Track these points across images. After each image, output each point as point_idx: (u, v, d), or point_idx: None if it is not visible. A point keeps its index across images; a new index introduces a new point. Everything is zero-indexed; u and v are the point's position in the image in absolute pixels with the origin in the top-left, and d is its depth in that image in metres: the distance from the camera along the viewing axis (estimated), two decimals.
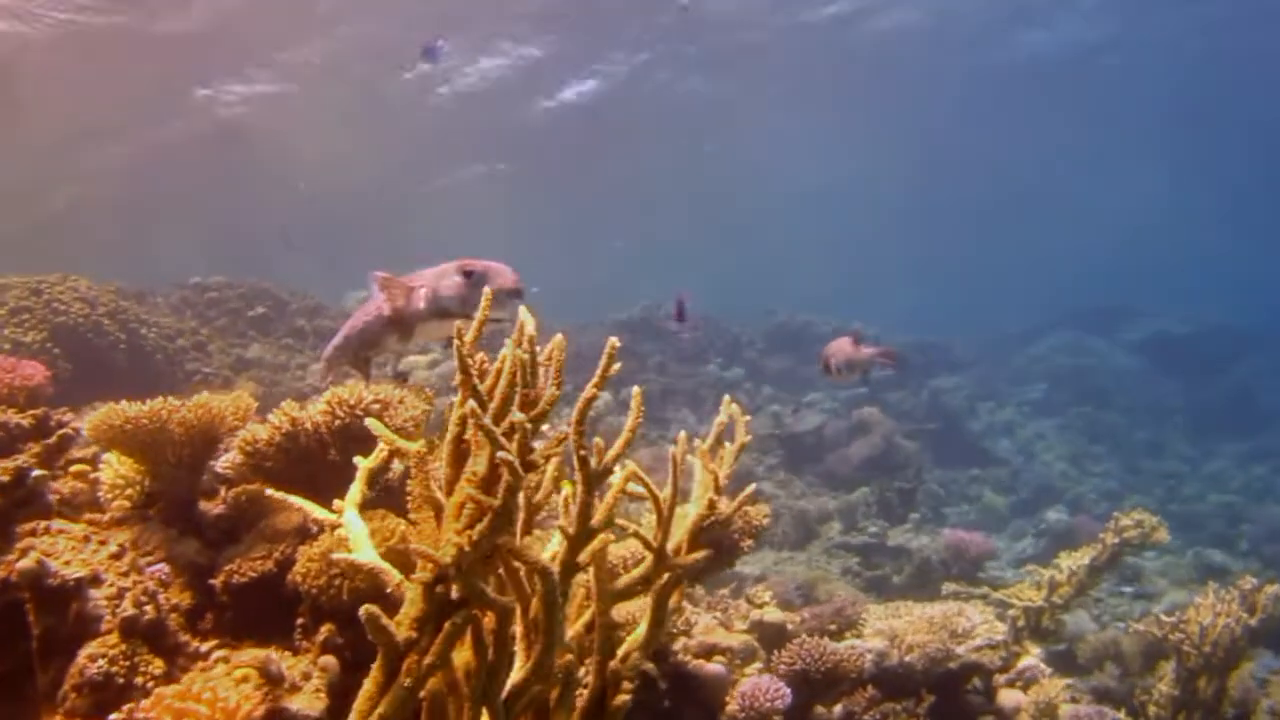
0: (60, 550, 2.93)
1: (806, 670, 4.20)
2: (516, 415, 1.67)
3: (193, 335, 9.08)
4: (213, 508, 3.61)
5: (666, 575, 2.04)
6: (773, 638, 4.62)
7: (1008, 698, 4.68)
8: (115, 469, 3.52)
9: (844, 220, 33.66)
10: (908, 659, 4.57)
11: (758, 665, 4.38)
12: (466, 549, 1.68)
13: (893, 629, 4.79)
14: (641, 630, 2.07)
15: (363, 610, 1.69)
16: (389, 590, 1.93)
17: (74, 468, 3.55)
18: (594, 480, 1.84)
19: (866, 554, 8.91)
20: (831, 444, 10.98)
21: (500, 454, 1.62)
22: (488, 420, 1.63)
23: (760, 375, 13.87)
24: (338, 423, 3.39)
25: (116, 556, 3.04)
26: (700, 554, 2.01)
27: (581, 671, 2.07)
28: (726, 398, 2.20)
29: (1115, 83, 19.19)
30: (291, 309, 10.11)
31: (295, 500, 2.11)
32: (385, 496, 3.45)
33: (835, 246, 39.74)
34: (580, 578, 2.08)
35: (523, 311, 2.05)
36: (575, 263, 35.84)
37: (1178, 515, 12.21)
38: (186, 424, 3.37)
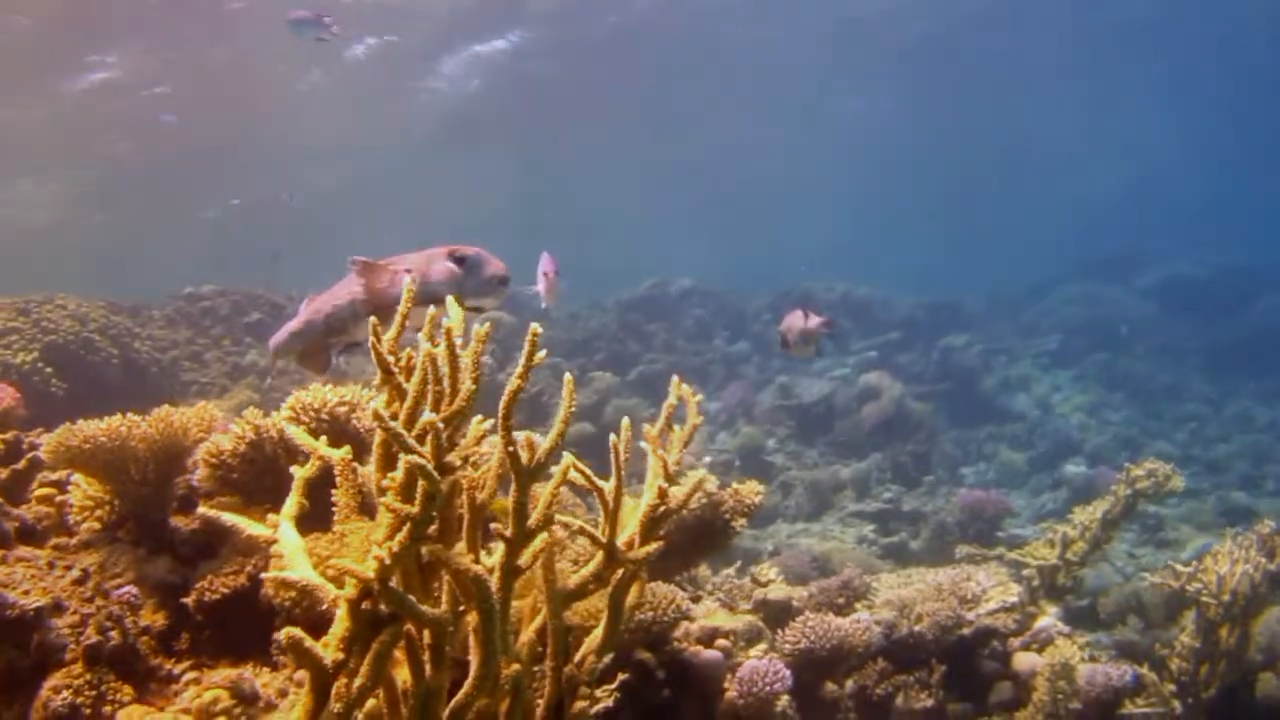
0: (19, 580, 2.84)
1: (812, 648, 4.09)
2: (428, 415, 1.55)
3: (188, 345, 9.02)
4: (188, 523, 3.51)
5: (620, 572, 1.92)
6: (778, 616, 4.51)
7: (1023, 661, 4.55)
8: (84, 490, 3.43)
9: (843, 182, 33.24)
10: (918, 629, 4.45)
11: (763, 646, 4.26)
12: (387, 561, 1.56)
13: (902, 599, 4.67)
14: (599, 632, 1.95)
15: (283, 633, 1.58)
16: (324, 607, 1.82)
17: (38, 492, 3.46)
18: (527, 477, 1.71)
19: (882, 521, 8.79)
20: (841, 411, 10.82)
21: (410, 458, 1.50)
22: (396, 424, 1.51)
23: (768, 348, 13.71)
24: (303, 428, 3.27)
25: (80, 582, 2.95)
26: (653, 546, 1.89)
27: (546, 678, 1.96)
28: (675, 378, 2.07)
29: (1115, 20, 18.84)
30: (288, 313, 10.01)
31: (228, 517, 2.00)
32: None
33: (834, 209, 39.21)
34: (535, 579, 1.97)
35: (450, 303, 1.93)
36: (582, 243, 35.64)
37: (1201, 459, 12.01)
38: (148, 439, 3.27)
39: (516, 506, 1.72)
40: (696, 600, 4.50)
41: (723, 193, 32.82)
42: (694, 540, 3.86)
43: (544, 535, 1.78)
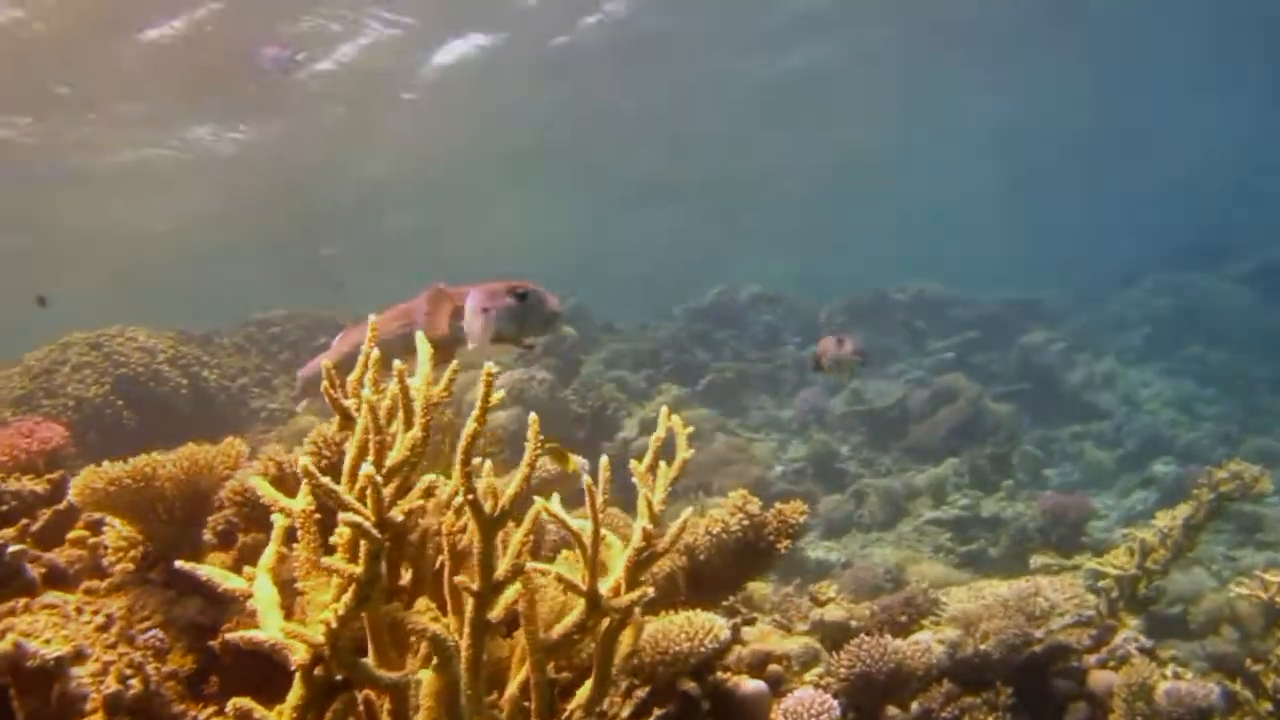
0: (41, 628, 2.82)
1: (868, 672, 3.90)
2: (366, 468, 1.44)
3: (256, 372, 9.15)
4: (224, 560, 3.48)
5: (607, 620, 1.79)
6: (836, 638, 4.32)
7: (1099, 680, 4.29)
8: (119, 530, 3.43)
9: (917, 178, 32.44)
10: (983, 647, 4.23)
11: (818, 670, 4.08)
12: (334, 625, 1.46)
13: (967, 615, 4.44)
14: (588, 685, 1.83)
15: (231, 705, 1.49)
16: (293, 670, 1.72)
17: (71, 534, 3.47)
18: (491, 527, 1.60)
19: (960, 528, 8.49)
20: (916, 416, 10.53)
21: (345, 516, 1.40)
22: (327, 480, 1.41)
23: None
24: (324, 463, 3.22)
25: (103, 628, 2.92)
26: (638, 593, 1.76)
27: None
28: (665, 409, 1.94)
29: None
30: (319, 345, 10.12)
31: (203, 570, 1.92)
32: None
33: (908, 206, 38.27)
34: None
35: (419, 339, 1.83)
36: (649, 252, 35.50)
37: None
38: (174, 478, 3.25)
39: (481, 557, 1.61)
40: (751, 623, 4.34)
41: (805, 199, 32.25)
42: (736, 564, 3.72)
43: (516, 586, 1.66)
